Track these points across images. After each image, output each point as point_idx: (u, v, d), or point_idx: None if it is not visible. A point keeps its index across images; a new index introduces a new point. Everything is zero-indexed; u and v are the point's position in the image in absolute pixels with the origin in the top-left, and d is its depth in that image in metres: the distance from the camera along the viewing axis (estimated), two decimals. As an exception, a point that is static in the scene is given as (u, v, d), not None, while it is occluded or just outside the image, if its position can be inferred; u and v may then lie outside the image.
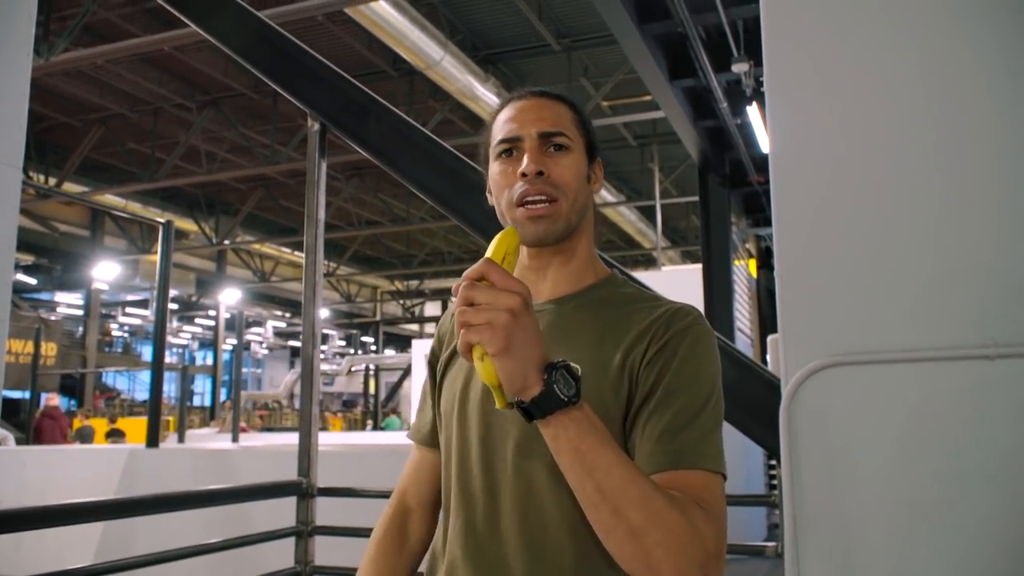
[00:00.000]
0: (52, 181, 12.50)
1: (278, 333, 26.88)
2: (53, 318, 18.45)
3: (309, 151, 3.21)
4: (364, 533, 2.71)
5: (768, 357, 5.52)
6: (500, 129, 1.08)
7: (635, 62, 6.26)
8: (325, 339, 24.47)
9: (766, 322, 10.03)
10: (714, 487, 0.92)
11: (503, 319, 0.80)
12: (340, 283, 23.33)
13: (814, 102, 1.95)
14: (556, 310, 1.06)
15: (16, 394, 12.99)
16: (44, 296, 20.01)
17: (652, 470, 0.91)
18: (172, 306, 20.42)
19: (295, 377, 20.94)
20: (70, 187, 12.86)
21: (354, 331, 28.30)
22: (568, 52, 9.17)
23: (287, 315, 25.02)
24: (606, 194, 13.08)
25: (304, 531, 2.95)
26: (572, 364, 0.84)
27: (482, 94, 8.50)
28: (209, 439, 9.46)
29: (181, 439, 7.35)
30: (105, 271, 16.76)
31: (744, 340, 8.67)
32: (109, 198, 13.50)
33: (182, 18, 3.23)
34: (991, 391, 1.69)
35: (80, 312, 19.90)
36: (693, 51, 6.01)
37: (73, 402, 18.10)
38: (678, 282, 8.04)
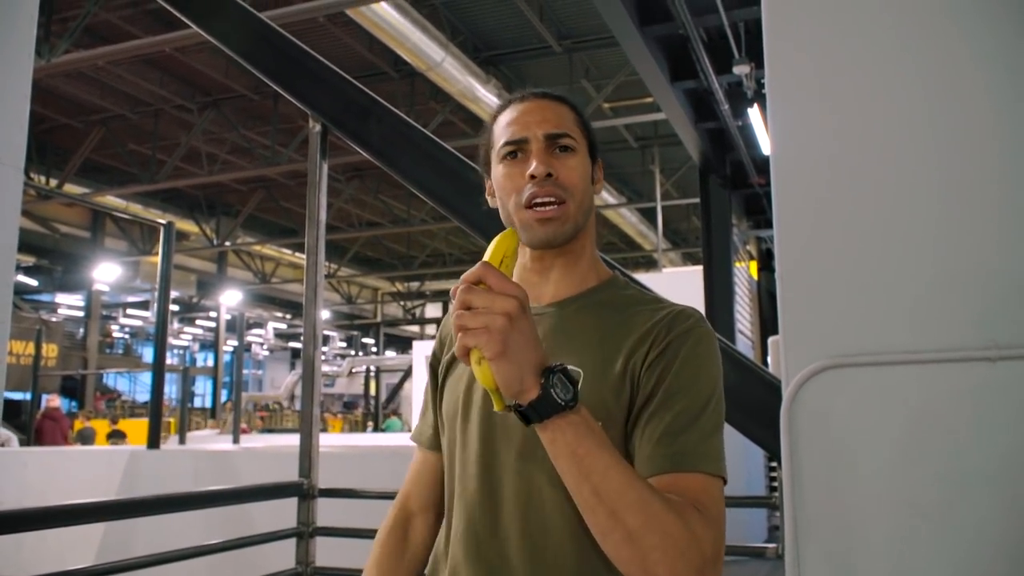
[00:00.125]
0: (53, 182, 12.51)
1: (279, 334, 26.89)
2: (54, 319, 18.47)
3: (310, 152, 3.21)
4: (365, 534, 2.73)
5: (769, 359, 5.52)
6: (504, 131, 1.07)
7: (636, 64, 6.26)
8: (326, 340, 24.46)
9: (767, 324, 10.02)
10: (713, 490, 0.92)
11: (500, 323, 0.80)
12: (341, 284, 23.34)
13: (815, 104, 1.95)
14: (558, 313, 1.06)
15: (17, 395, 12.98)
16: (45, 297, 20.02)
17: (652, 473, 0.91)
18: (173, 307, 20.41)
19: (296, 378, 20.97)
20: (71, 188, 12.86)
21: (355, 332, 28.31)
22: (569, 54, 9.18)
23: (288, 316, 25.03)
24: (607, 196, 13.08)
25: (305, 532, 2.95)
26: (570, 368, 0.84)
27: (483, 96, 8.50)
28: (210, 440, 9.46)
29: (182, 440, 7.35)
30: (106, 272, 16.77)
31: (745, 342, 8.66)
32: (110, 199, 13.51)
33: (183, 19, 3.23)
34: (992, 393, 1.69)
35: (81, 313, 19.92)
36: (694, 53, 6.01)
37: (74, 404, 18.10)
38: (679, 284, 8.04)
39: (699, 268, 8.46)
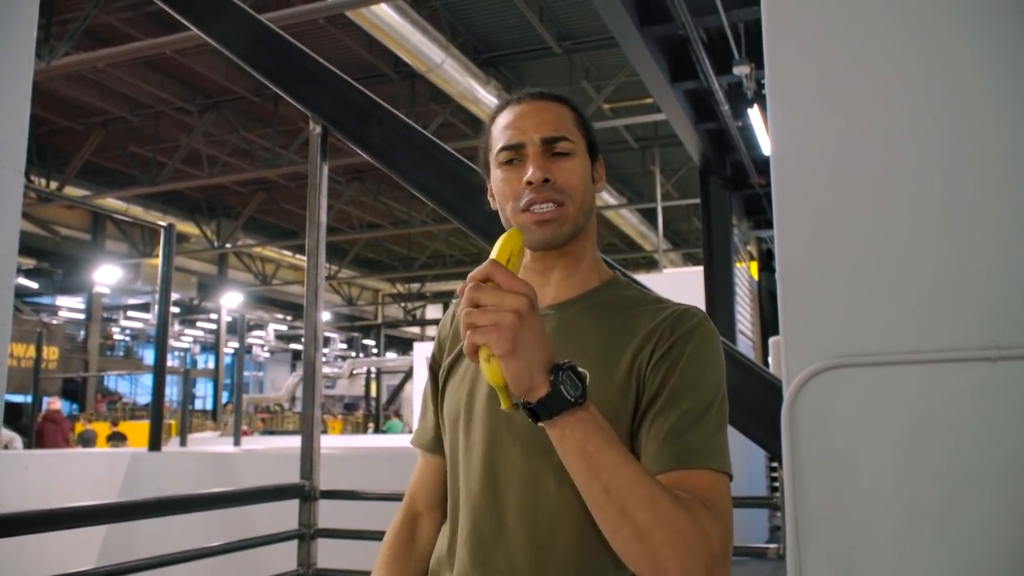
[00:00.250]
0: (53, 185, 12.54)
1: (279, 336, 26.89)
2: (55, 322, 18.46)
3: (311, 154, 3.21)
4: (366, 536, 2.73)
5: (770, 359, 5.52)
6: (501, 135, 1.06)
7: (636, 65, 6.27)
8: (327, 342, 24.45)
9: (768, 324, 10.02)
10: (720, 487, 0.92)
11: (509, 320, 0.80)
12: (341, 286, 23.35)
13: (815, 104, 1.95)
14: (559, 314, 1.05)
15: (18, 398, 12.99)
16: (46, 300, 20.02)
17: (658, 471, 0.91)
18: (174, 310, 20.40)
19: (297, 380, 20.94)
20: (71, 191, 12.89)
21: (355, 334, 28.31)
22: (569, 55, 9.18)
23: (288, 318, 25.04)
24: (607, 197, 13.08)
25: (306, 534, 2.95)
26: (578, 365, 0.84)
27: (483, 97, 8.51)
28: (211, 442, 9.46)
29: (183, 443, 7.35)
30: (106, 275, 16.78)
31: (746, 342, 8.66)
32: (110, 202, 13.53)
33: (183, 21, 3.23)
34: (993, 393, 1.69)
35: (82, 316, 19.93)
36: (694, 54, 6.01)
37: (75, 406, 18.12)
38: (680, 284, 8.04)
39: (700, 269, 8.47)
